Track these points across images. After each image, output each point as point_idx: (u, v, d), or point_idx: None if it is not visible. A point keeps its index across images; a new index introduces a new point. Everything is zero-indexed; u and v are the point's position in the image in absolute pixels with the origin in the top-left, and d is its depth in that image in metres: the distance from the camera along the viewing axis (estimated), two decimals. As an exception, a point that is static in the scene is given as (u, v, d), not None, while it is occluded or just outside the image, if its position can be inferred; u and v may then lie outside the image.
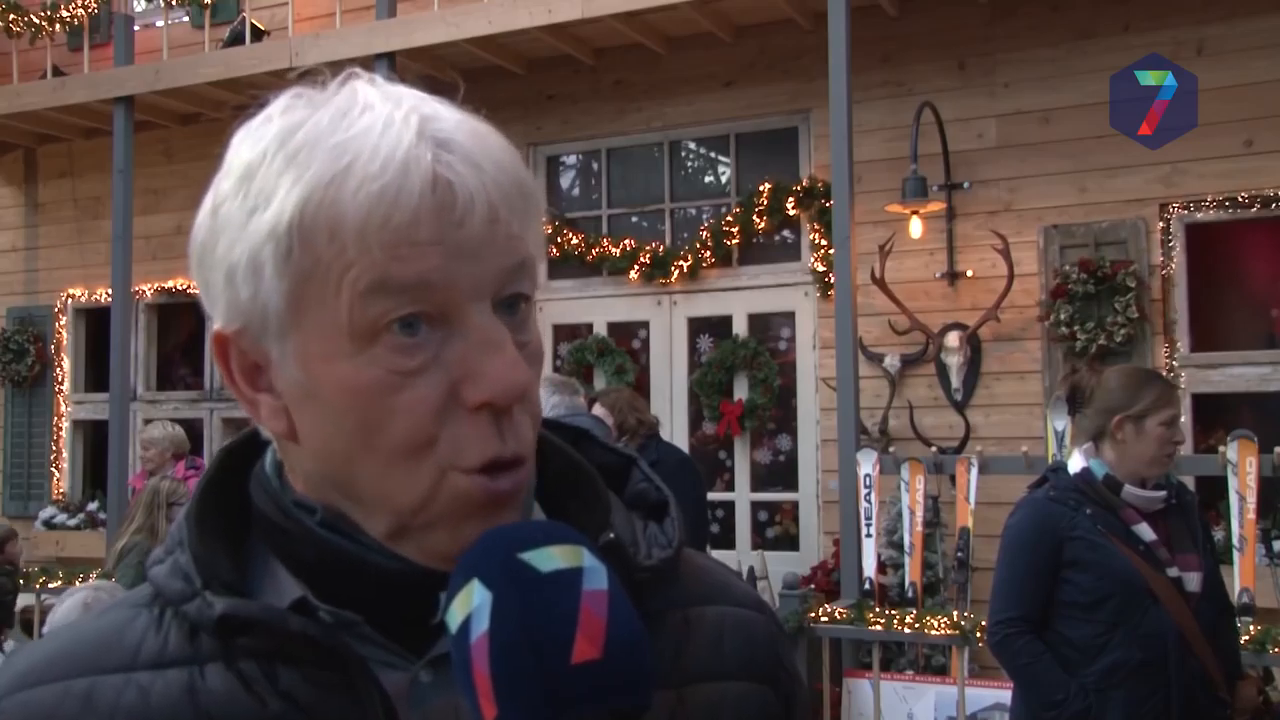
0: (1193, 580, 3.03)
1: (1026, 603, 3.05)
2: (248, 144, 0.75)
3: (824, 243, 6.72)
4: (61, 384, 9.04)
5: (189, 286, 8.57)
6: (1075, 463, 3.14)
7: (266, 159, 0.73)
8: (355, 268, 0.70)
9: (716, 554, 6.84)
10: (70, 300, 9.08)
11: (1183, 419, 3.16)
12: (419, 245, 0.70)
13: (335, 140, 0.71)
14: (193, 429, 9.01)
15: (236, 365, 0.77)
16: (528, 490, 0.80)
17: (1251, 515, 4.82)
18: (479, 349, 0.71)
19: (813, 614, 5.15)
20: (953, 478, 5.62)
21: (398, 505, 0.73)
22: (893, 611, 5.17)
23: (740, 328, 7.19)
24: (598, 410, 5.16)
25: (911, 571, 5.52)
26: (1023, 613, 3.05)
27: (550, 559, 0.66)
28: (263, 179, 0.72)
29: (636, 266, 7.31)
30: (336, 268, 0.70)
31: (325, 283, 0.71)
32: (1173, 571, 3.01)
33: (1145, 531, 3.03)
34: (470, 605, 0.65)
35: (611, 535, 0.79)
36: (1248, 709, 3.09)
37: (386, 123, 0.71)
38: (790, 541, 7.07)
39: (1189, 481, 5.92)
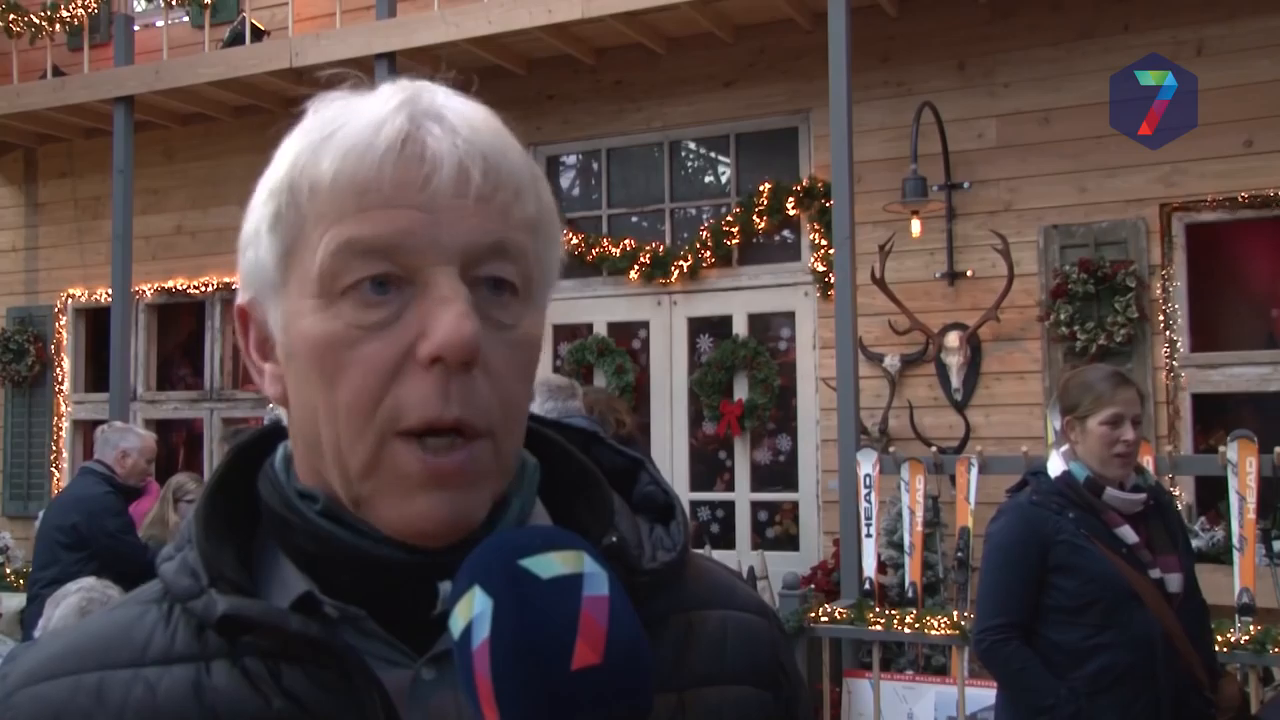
0: (1174, 581, 3.03)
1: (1013, 609, 3.04)
2: (285, 141, 0.80)
3: (824, 243, 6.73)
4: (61, 384, 9.04)
5: (189, 286, 8.59)
6: (1055, 465, 3.13)
7: (287, 143, 0.79)
8: (332, 228, 0.73)
9: (716, 554, 6.85)
10: (70, 300, 9.08)
11: (1138, 416, 3.08)
12: (386, 206, 0.72)
13: (334, 114, 0.77)
14: (192, 429, 9.03)
15: (253, 338, 0.81)
16: (527, 485, 0.81)
17: (1251, 515, 4.82)
18: (432, 306, 0.72)
19: (813, 614, 5.15)
20: (953, 478, 5.62)
21: (348, 469, 0.74)
22: (893, 611, 5.17)
23: (740, 328, 7.19)
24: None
25: (911, 571, 5.52)
26: (1010, 619, 3.03)
27: (551, 565, 0.66)
28: (276, 159, 0.78)
29: (636, 266, 7.31)
30: (318, 226, 0.74)
31: (307, 241, 0.75)
32: (1155, 573, 3.01)
33: (1128, 534, 3.02)
34: (471, 612, 0.66)
35: (615, 538, 0.79)
36: (1231, 707, 3.10)
37: (382, 97, 0.76)
38: (790, 541, 7.07)
39: (1189, 481, 5.94)
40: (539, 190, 0.79)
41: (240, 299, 0.81)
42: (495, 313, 0.75)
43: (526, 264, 0.77)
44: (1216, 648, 4.37)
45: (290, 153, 0.77)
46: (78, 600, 3.35)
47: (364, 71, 0.80)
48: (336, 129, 0.75)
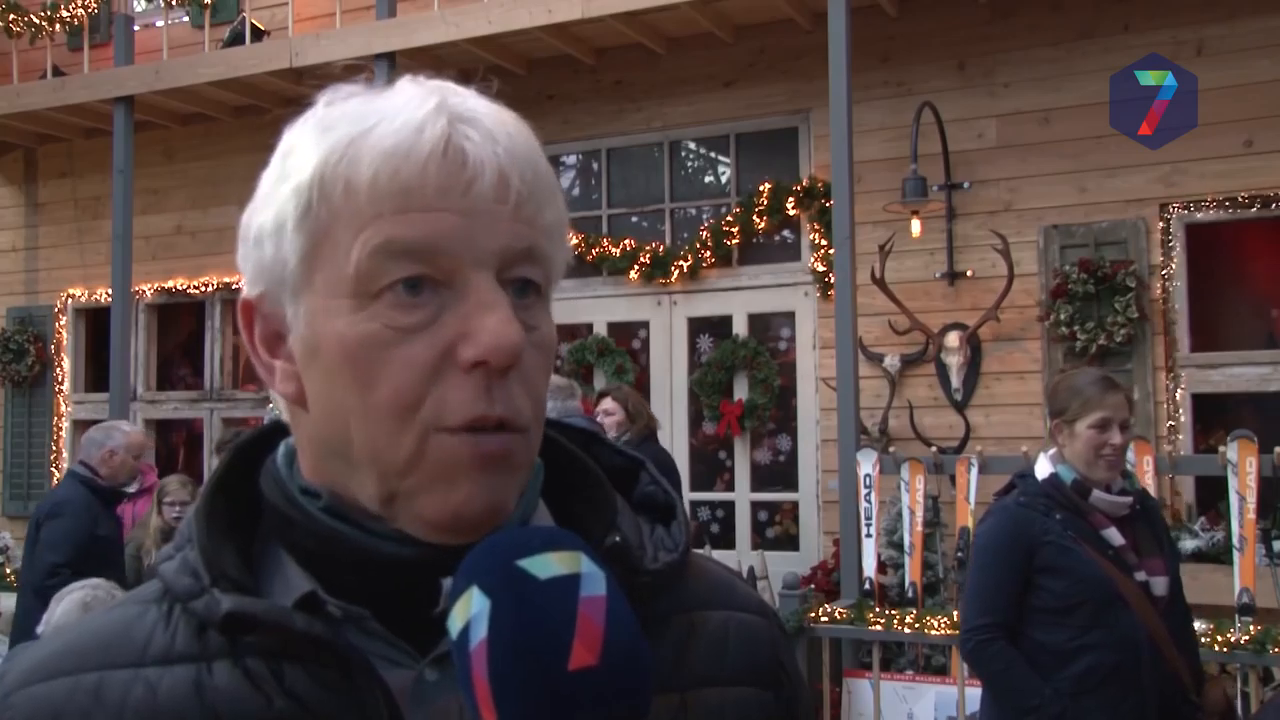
0: (1160, 585, 3.04)
1: (999, 609, 3.04)
2: (292, 131, 0.79)
3: (824, 243, 6.73)
4: (61, 384, 9.04)
5: (189, 286, 8.58)
6: (1042, 468, 3.14)
7: (303, 136, 0.77)
8: (369, 228, 0.73)
9: (716, 554, 6.85)
10: (70, 300, 9.08)
11: (1127, 420, 3.10)
12: (428, 209, 0.73)
13: (362, 111, 0.75)
14: (192, 429, 9.03)
15: (259, 332, 0.80)
16: (531, 485, 0.80)
17: (1251, 515, 4.82)
18: (475, 309, 0.73)
19: (813, 614, 5.15)
20: (953, 478, 5.62)
21: (386, 466, 0.74)
22: (893, 611, 5.17)
23: (740, 328, 7.19)
24: (607, 404, 5.34)
25: (911, 571, 5.52)
26: (995, 619, 3.04)
27: (548, 566, 0.66)
28: (298, 153, 0.76)
29: (636, 266, 7.31)
30: (351, 225, 0.73)
31: (338, 240, 0.74)
32: (1140, 576, 3.02)
33: (1114, 536, 3.03)
34: (469, 612, 0.66)
35: (617, 539, 0.79)
36: (1217, 711, 3.10)
37: (410, 97, 0.76)
38: (790, 541, 7.07)
39: (1189, 481, 5.94)
40: (559, 196, 0.80)
41: (248, 293, 0.80)
42: (523, 315, 0.75)
43: (549, 268, 0.78)
44: (1217, 648, 4.39)
45: (317, 148, 0.75)
46: (81, 596, 3.36)
47: (364, 72, 0.80)
48: (370, 127, 0.74)
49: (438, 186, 0.73)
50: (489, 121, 0.76)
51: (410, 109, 0.74)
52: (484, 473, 0.73)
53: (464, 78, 0.82)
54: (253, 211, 0.79)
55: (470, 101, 0.77)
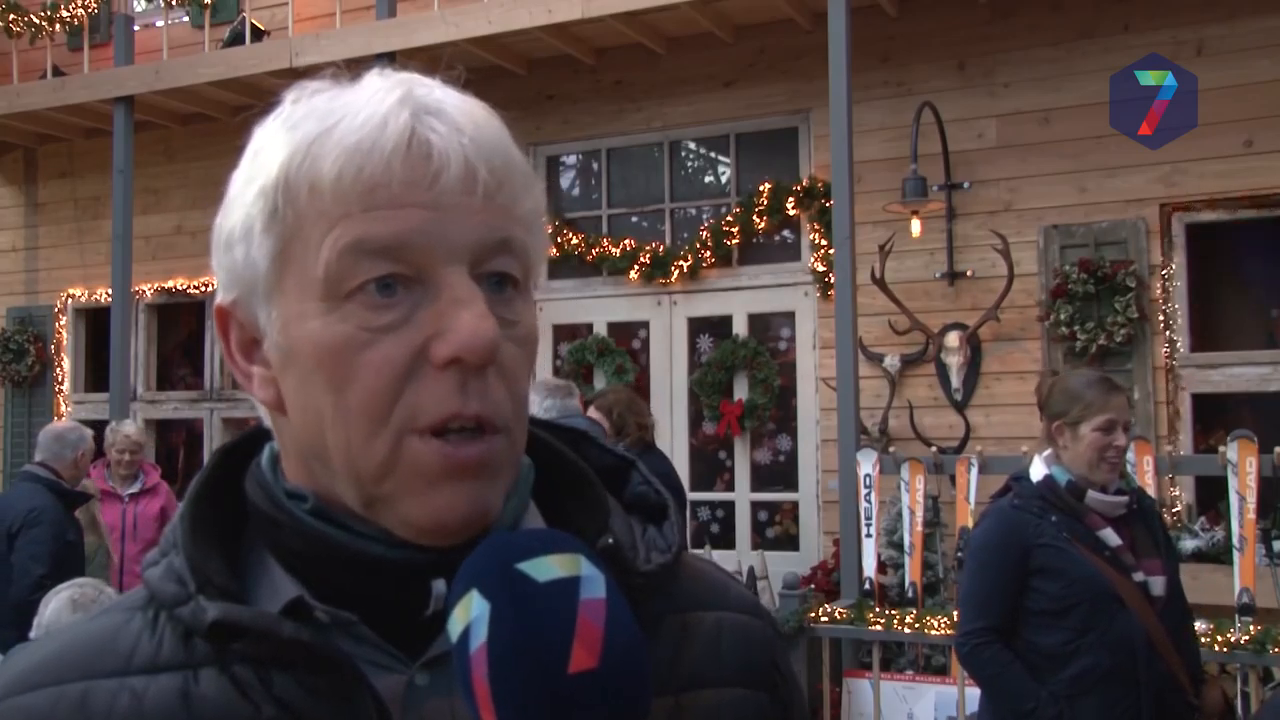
0: (1157, 585, 3.03)
1: (994, 612, 3.03)
2: (261, 130, 0.78)
3: (824, 243, 6.73)
4: (61, 384, 9.04)
5: (189, 286, 8.58)
6: (1037, 470, 3.13)
7: (270, 135, 0.76)
8: (336, 228, 0.71)
9: (716, 554, 6.85)
10: (70, 300, 9.08)
11: (1129, 422, 3.10)
12: (395, 205, 0.71)
13: (327, 108, 0.74)
14: (192, 429, 9.03)
15: (235, 339, 0.79)
16: (521, 486, 0.80)
17: (1251, 515, 4.81)
18: (448, 306, 0.71)
19: (813, 614, 5.15)
20: (953, 478, 5.62)
21: (361, 473, 0.73)
22: (893, 611, 5.17)
23: (740, 328, 7.19)
24: (591, 413, 5.14)
25: (911, 571, 5.52)
26: (991, 622, 3.03)
27: (548, 568, 0.66)
28: (265, 153, 0.75)
29: (636, 266, 7.31)
30: (319, 225, 0.72)
31: (307, 241, 0.72)
32: (1138, 576, 3.00)
33: (1110, 536, 3.02)
34: (469, 615, 0.65)
35: (610, 540, 0.79)
36: (1215, 712, 3.09)
37: (375, 90, 0.74)
38: (790, 541, 7.07)
39: (1189, 481, 5.94)
40: (535, 185, 0.79)
41: (221, 299, 0.78)
42: (501, 310, 0.74)
43: (527, 259, 0.77)
44: (1217, 648, 4.38)
45: (281, 148, 0.74)
46: (69, 594, 3.36)
47: (330, 68, 0.79)
48: (334, 124, 0.73)
49: (403, 181, 0.71)
50: (455, 112, 0.74)
51: (374, 103, 0.73)
52: (460, 479, 0.72)
53: (455, 74, 0.81)
54: (223, 215, 0.78)
55: (436, 93, 0.75)
